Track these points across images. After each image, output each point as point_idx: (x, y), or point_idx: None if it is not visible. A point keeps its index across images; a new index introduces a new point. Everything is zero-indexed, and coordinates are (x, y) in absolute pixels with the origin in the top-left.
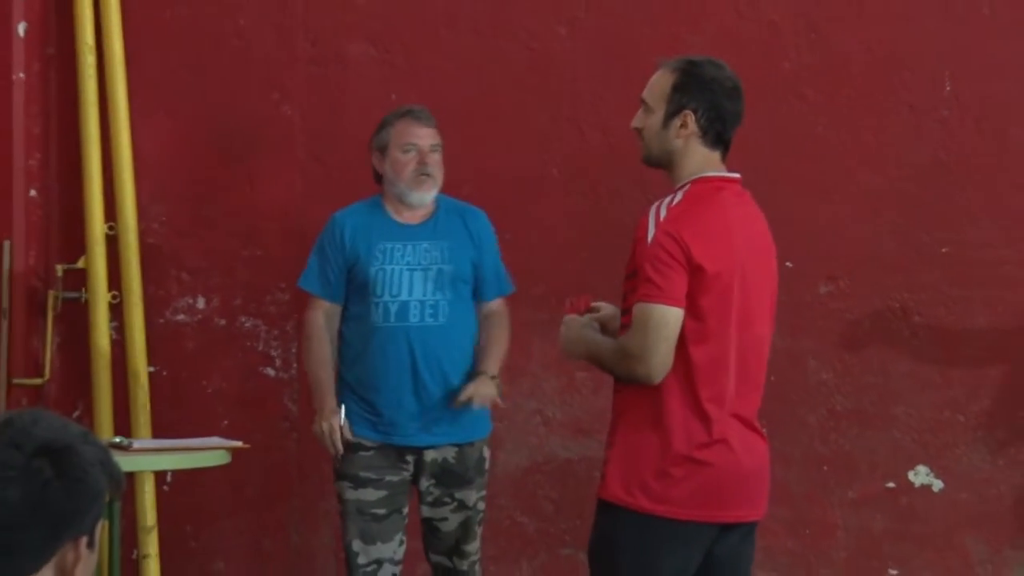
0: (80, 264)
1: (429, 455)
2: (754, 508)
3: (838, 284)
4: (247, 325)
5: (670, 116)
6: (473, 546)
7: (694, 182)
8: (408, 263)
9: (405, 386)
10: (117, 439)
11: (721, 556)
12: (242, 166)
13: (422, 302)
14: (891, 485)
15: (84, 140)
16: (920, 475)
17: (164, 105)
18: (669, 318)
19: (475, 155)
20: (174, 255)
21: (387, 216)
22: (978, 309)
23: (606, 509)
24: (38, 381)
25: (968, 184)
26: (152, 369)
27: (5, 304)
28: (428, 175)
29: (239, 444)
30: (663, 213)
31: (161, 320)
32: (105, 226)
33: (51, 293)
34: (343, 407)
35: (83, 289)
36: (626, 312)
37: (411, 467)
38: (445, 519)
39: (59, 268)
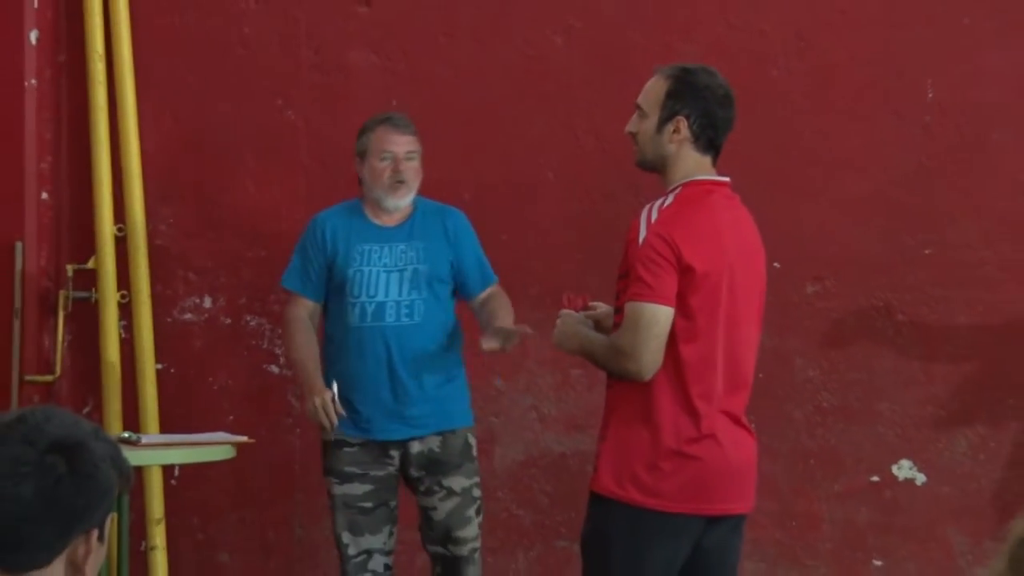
0: (90, 265)
1: (414, 447)
2: (742, 501)
3: (824, 284)
4: (252, 324)
5: (664, 121)
6: (467, 533)
7: (685, 185)
8: (385, 264)
9: (382, 384)
10: (126, 434)
11: (710, 548)
12: (247, 170)
13: (398, 302)
14: (875, 479)
15: (94, 144)
16: (904, 469)
17: (171, 111)
18: (660, 316)
19: (473, 159)
20: (181, 256)
21: (366, 219)
22: (959, 308)
23: (598, 501)
24: (49, 378)
25: (950, 188)
26: (160, 366)
27: (17, 304)
28: (402, 182)
29: (244, 439)
30: (654, 215)
31: (169, 319)
32: (114, 228)
33: (62, 293)
34: (335, 384)
35: (93, 289)
36: (618, 311)
37: (396, 461)
38: (435, 508)
39: (70, 268)
